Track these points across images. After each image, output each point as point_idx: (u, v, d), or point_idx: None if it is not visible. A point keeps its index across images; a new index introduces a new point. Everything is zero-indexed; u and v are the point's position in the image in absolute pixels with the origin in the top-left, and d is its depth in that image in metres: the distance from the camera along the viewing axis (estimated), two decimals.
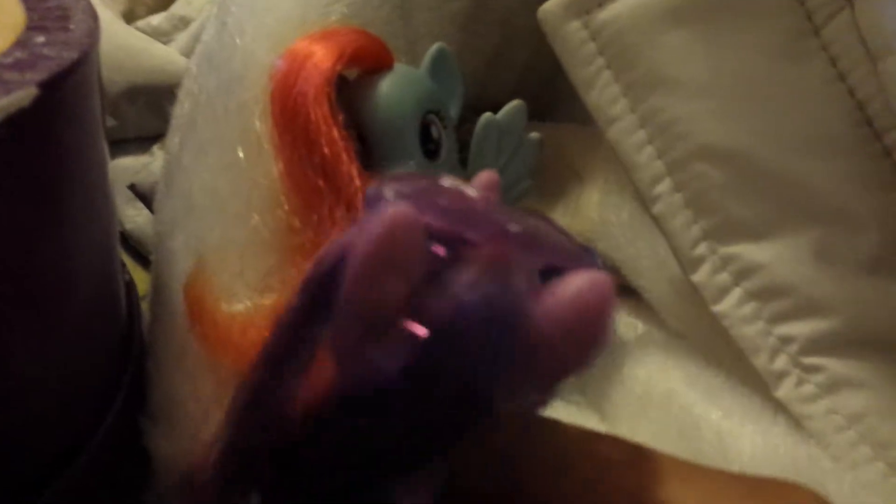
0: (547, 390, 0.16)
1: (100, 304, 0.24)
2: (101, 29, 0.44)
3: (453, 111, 0.27)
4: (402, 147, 0.25)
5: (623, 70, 0.28)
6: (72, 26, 0.22)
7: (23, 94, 0.18)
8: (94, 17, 0.22)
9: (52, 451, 0.23)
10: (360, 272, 0.15)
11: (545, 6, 0.29)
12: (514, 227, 0.16)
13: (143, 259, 0.40)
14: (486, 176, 0.20)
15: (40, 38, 0.21)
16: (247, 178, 0.25)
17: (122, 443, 0.25)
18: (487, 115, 0.27)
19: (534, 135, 0.29)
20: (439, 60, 0.27)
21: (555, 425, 0.18)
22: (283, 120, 0.24)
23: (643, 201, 0.29)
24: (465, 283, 0.15)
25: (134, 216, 0.43)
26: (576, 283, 0.15)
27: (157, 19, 0.47)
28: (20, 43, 0.20)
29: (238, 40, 0.27)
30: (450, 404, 0.15)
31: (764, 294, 0.27)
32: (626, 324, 0.30)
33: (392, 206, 0.15)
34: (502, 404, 0.15)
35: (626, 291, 0.31)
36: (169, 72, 0.44)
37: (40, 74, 0.19)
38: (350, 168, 0.23)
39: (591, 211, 0.33)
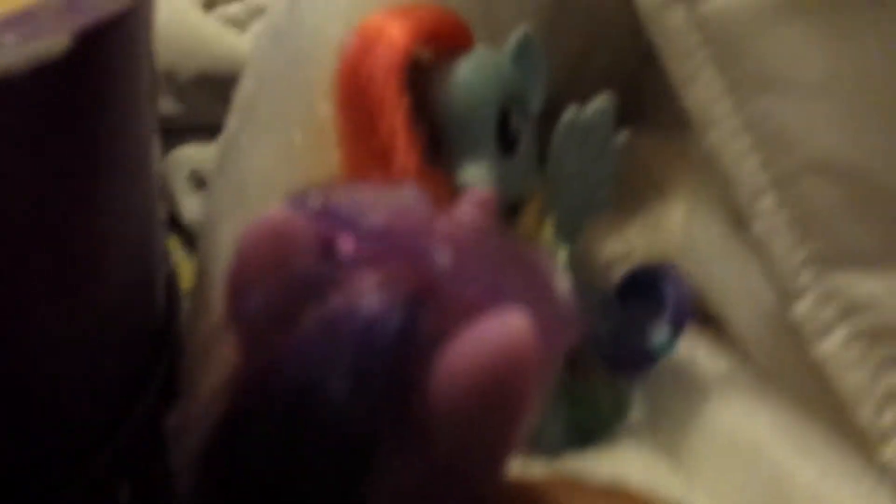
0: (467, 460, 0.13)
1: (134, 292, 0.22)
2: (175, 13, 0.44)
3: (535, 103, 0.25)
4: (476, 138, 0.22)
5: (729, 65, 0.25)
6: None
7: (53, 43, 0.16)
8: None
9: (74, 445, 0.21)
10: (228, 279, 0.14)
11: None
12: (441, 259, 0.13)
13: None
14: (477, 196, 0.19)
15: None
16: (305, 164, 0.23)
17: (149, 437, 0.23)
18: (573, 109, 0.25)
19: (622, 136, 0.26)
20: (524, 46, 0.24)
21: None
22: (347, 101, 0.22)
23: (738, 220, 0.26)
24: (339, 303, 0.13)
25: (194, 207, 0.42)
26: (479, 333, 0.12)
27: (234, 8, 0.46)
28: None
29: (308, 16, 0.25)
30: (313, 436, 0.13)
31: (874, 335, 0.23)
32: (709, 360, 0.27)
33: (275, 215, 0.14)
34: (393, 460, 0.13)
35: (711, 321, 0.28)
36: (240, 62, 0.43)
37: (78, 22, 0.17)
38: (407, 160, 0.21)
39: (673, 227, 0.30)
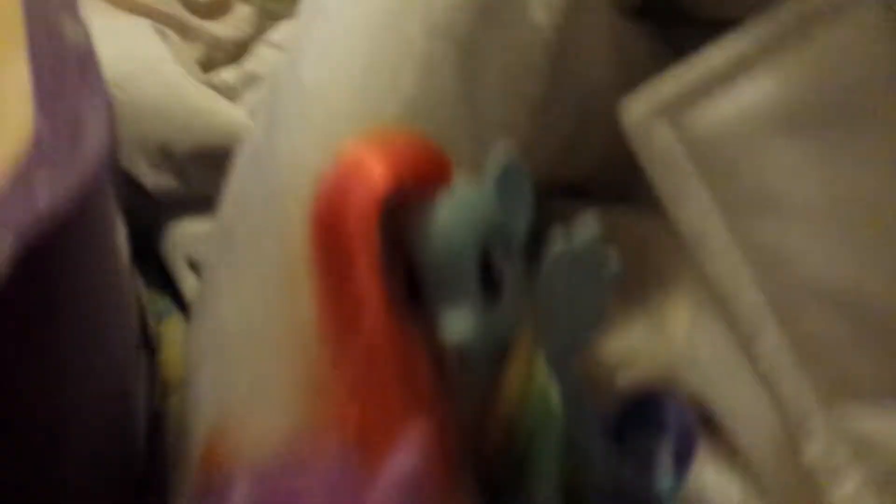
0: None
1: (111, 449, 0.21)
2: (168, 87, 0.43)
3: (521, 232, 0.23)
4: (456, 286, 0.21)
5: (722, 184, 0.24)
6: (83, 143, 0.19)
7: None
8: (110, 125, 0.19)
9: None
10: None
11: (627, 104, 0.25)
12: None
13: None
14: (414, 440, 0.19)
15: (40, 170, 0.18)
16: (283, 312, 0.22)
17: None
18: (560, 246, 0.23)
19: (614, 264, 0.25)
20: (507, 173, 0.23)
21: None
22: (320, 243, 0.21)
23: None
24: None
25: (195, 286, 0.41)
26: None
27: (228, 74, 0.45)
28: (17, 172, 0.18)
29: (284, 141, 0.24)
30: None
31: (891, 480, 0.22)
32: (718, 487, 0.25)
33: None
34: None
35: (720, 438, 0.26)
36: (236, 133, 0.42)
37: (24, 215, 0.16)
38: (376, 322, 0.20)
39: (677, 331, 0.28)
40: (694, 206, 0.24)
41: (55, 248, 0.17)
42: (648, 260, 0.30)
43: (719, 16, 0.30)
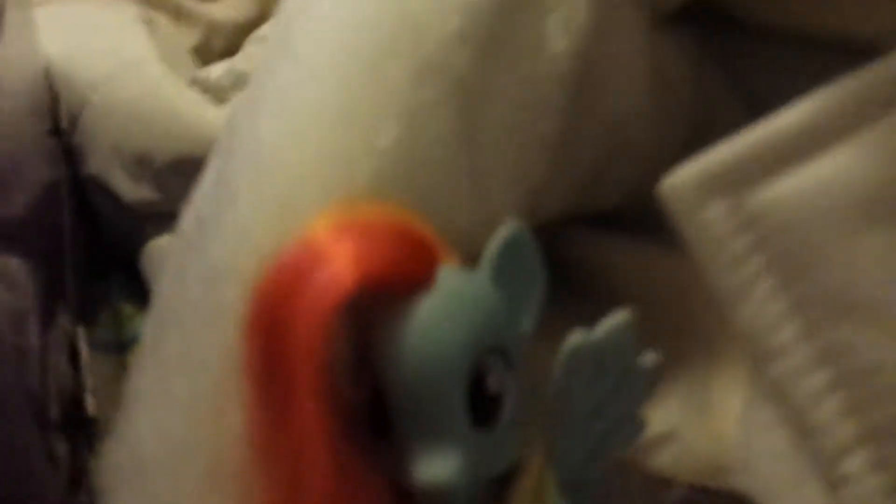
0: None
1: None
2: (149, 90, 0.38)
3: (527, 324, 0.18)
4: (437, 416, 0.17)
5: (793, 279, 0.18)
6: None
7: None
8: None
9: None
10: None
11: (671, 182, 0.20)
12: None
13: None
14: None
15: None
16: (213, 429, 0.17)
17: None
18: (578, 338, 0.18)
19: (648, 358, 0.20)
20: (511, 249, 0.18)
21: None
22: (258, 361, 0.16)
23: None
24: None
25: None
26: None
27: (218, 71, 0.41)
28: None
29: (231, 204, 0.19)
30: None
31: None
32: None
33: None
34: None
35: None
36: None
37: None
38: (320, 468, 0.15)
39: (727, 417, 0.24)
40: (761, 305, 0.19)
41: None
42: (692, 315, 0.25)
43: (772, 21, 0.26)
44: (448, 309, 0.17)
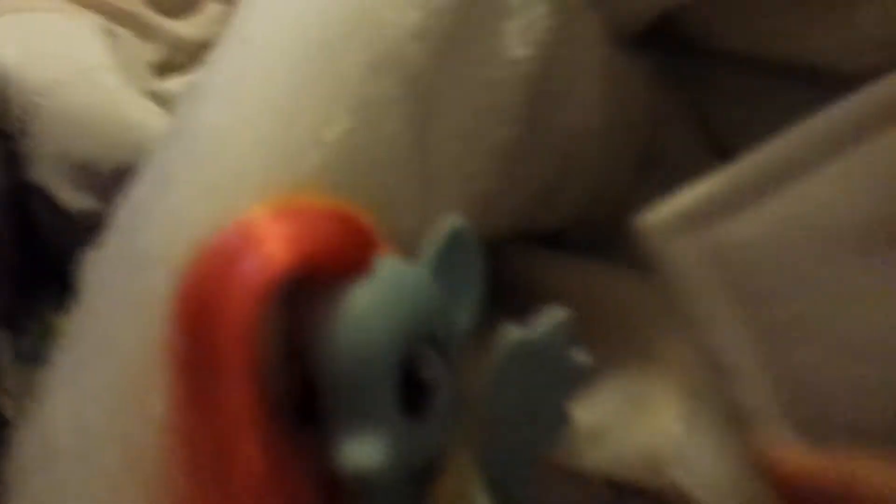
0: None
1: None
2: (97, 97, 0.37)
3: (464, 321, 0.18)
4: (367, 402, 0.16)
5: (754, 310, 0.19)
6: None
7: None
8: None
9: None
10: None
11: (646, 219, 0.20)
12: None
13: None
14: None
15: None
16: (131, 416, 0.16)
17: None
18: (514, 334, 0.18)
19: (582, 359, 0.19)
20: (452, 244, 0.17)
21: None
22: (185, 346, 0.15)
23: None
24: None
25: None
26: None
27: (177, 85, 0.40)
28: None
29: (166, 190, 0.18)
30: None
31: None
32: None
33: None
34: None
35: None
36: None
37: None
38: (252, 449, 0.14)
39: (665, 416, 0.23)
40: (724, 331, 0.20)
41: None
42: (632, 327, 0.25)
43: (730, 46, 0.26)
44: (382, 296, 0.16)
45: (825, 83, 0.21)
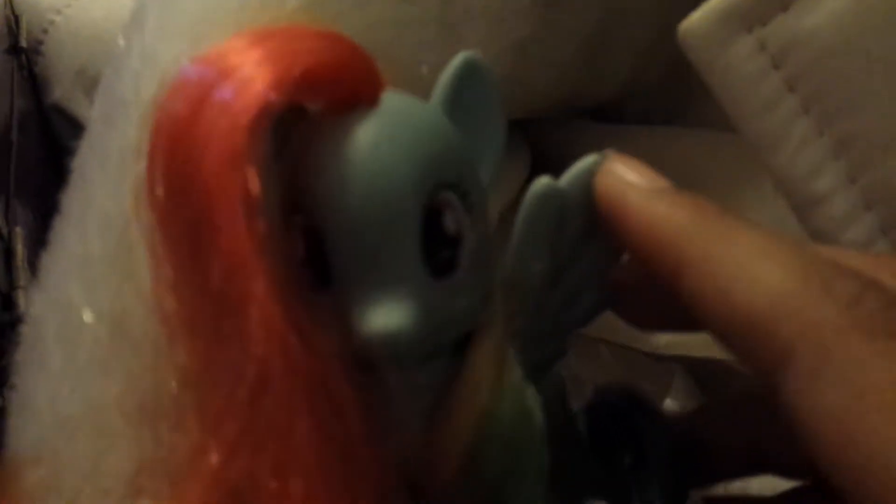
0: None
1: None
2: (118, 9, 0.35)
3: (486, 171, 0.15)
4: (385, 258, 0.13)
5: (831, 118, 0.17)
6: None
7: None
8: None
9: None
10: None
11: (690, 21, 0.17)
12: None
13: None
14: None
15: None
16: (116, 291, 0.14)
17: None
18: (544, 182, 0.15)
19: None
20: (466, 81, 0.15)
21: None
22: (168, 185, 0.13)
23: None
24: None
25: None
26: None
27: None
28: None
29: (141, 30, 0.16)
30: None
31: None
32: None
33: None
34: None
35: None
36: None
37: None
38: (262, 317, 0.12)
39: None
40: (794, 150, 0.17)
41: None
42: (704, 186, 0.22)
43: None
44: (394, 129, 0.13)
45: None
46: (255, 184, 0.12)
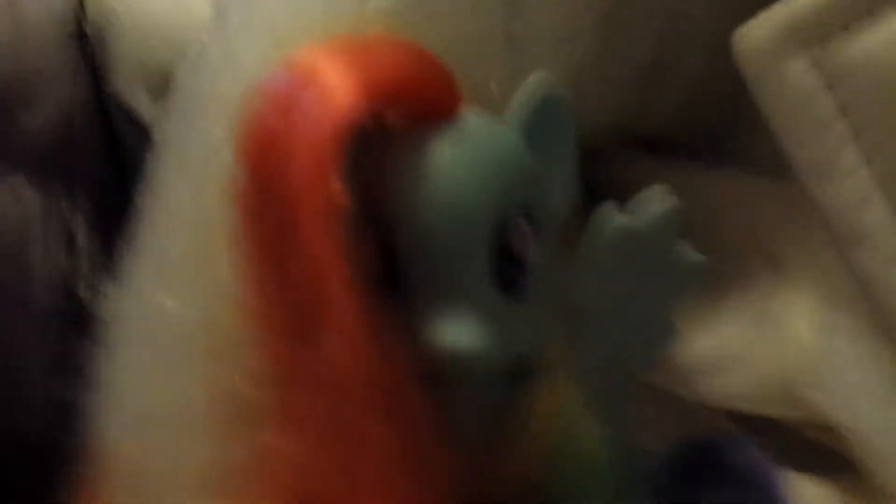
0: None
1: None
2: (180, 3, 0.36)
3: (558, 198, 0.15)
4: (458, 275, 0.13)
5: (881, 148, 0.16)
6: None
7: None
8: None
9: None
10: None
11: (745, 33, 0.17)
12: None
13: None
14: None
15: None
16: (202, 294, 0.14)
17: None
18: (616, 218, 0.15)
19: (694, 257, 0.17)
20: (542, 104, 0.15)
21: None
22: (255, 191, 0.13)
23: None
24: None
25: None
26: None
27: None
28: None
29: (220, 36, 0.16)
30: None
31: None
32: None
33: None
34: None
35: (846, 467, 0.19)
36: None
37: None
38: (343, 324, 0.12)
39: (800, 329, 0.20)
40: (841, 180, 0.17)
41: None
42: (752, 234, 0.22)
43: None
44: (472, 149, 0.14)
45: None
46: (339, 193, 0.13)
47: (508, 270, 0.14)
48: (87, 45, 0.35)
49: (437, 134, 0.14)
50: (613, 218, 0.15)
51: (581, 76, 0.21)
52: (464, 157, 0.14)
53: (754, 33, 0.17)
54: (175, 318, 0.15)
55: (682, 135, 0.27)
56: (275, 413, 0.13)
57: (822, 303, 0.20)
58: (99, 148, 0.35)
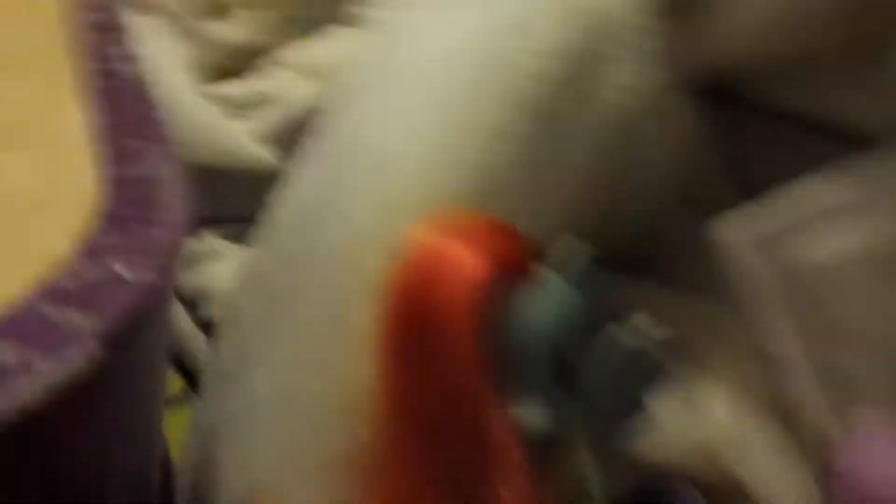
0: None
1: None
2: (171, 99, 0.39)
3: (596, 329, 0.23)
4: (536, 375, 0.21)
5: (805, 316, 0.24)
6: (156, 219, 0.17)
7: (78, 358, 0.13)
8: (184, 198, 0.17)
9: None
10: None
11: (726, 234, 0.24)
12: None
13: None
14: None
15: (112, 250, 0.16)
16: (330, 381, 0.20)
17: None
18: (613, 338, 0.22)
19: (667, 369, 0.24)
20: (588, 272, 0.22)
21: None
22: (409, 330, 0.20)
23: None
24: None
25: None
26: None
27: (233, 89, 0.42)
28: (88, 250, 0.15)
29: (343, 199, 0.22)
30: None
31: None
32: None
33: None
34: None
35: None
36: (234, 155, 0.39)
37: (104, 319, 0.14)
38: (483, 410, 0.19)
39: (717, 410, 0.27)
40: (779, 332, 0.24)
41: (137, 324, 0.15)
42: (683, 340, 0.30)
43: (774, 104, 0.30)
44: (550, 305, 0.21)
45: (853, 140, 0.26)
46: (477, 332, 0.19)
47: (562, 375, 0.21)
48: None
49: (525, 289, 0.21)
50: (624, 341, 0.22)
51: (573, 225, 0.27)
52: (544, 305, 0.21)
53: (733, 233, 0.24)
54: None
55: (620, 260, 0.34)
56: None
57: (734, 393, 0.27)
58: None
